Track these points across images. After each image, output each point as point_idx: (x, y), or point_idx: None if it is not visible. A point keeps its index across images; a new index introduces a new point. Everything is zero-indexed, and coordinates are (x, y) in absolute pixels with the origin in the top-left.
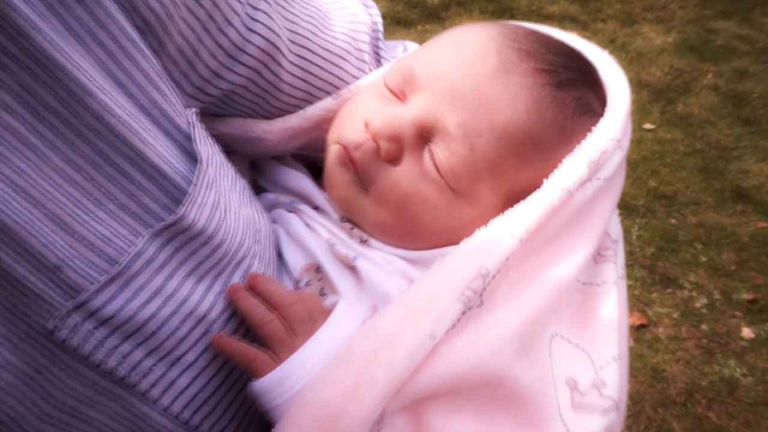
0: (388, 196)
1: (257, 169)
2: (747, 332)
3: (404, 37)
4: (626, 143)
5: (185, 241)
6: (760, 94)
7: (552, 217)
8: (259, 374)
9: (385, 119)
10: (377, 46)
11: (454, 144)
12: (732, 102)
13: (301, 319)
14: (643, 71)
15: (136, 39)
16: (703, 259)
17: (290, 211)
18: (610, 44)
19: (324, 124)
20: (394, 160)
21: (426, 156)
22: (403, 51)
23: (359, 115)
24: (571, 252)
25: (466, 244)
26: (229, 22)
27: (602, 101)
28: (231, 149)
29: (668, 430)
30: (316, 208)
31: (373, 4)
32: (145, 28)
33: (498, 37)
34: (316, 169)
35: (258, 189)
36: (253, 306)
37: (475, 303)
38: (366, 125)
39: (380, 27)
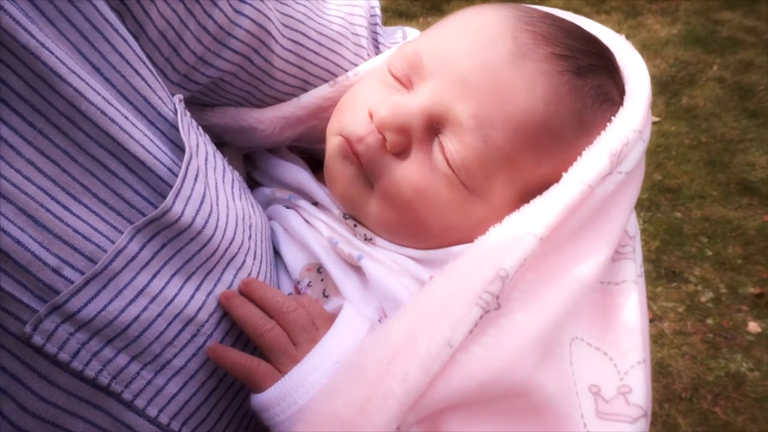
0: (395, 192)
1: (252, 162)
2: (753, 326)
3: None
4: (647, 134)
5: (171, 236)
6: (766, 86)
7: (572, 214)
8: (261, 387)
9: (392, 108)
10: (375, 32)
11: (467, 136)
12: (738, 94)
13: (302, 326)
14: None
15: (113, 20)
16: (709, 252)
17: (288, 207)
18: None
19: (320, 112)
20: (402, 153)
21: (435, 149)
22: (403, 37)
23: (362, 104)
24: (591, 251)
25: (482, 242)
26: (215, 4)
27: (620, 89)
28: (222, 141)
29: (674, 426)
30: (315, 203)
31: None
32: (122, 8)
33: (512, 20)
34: (314, 162)
35: (253, 183)
36: (250, 314)
37: (492, 306)
38: (370, 115)
39: (378, 11)
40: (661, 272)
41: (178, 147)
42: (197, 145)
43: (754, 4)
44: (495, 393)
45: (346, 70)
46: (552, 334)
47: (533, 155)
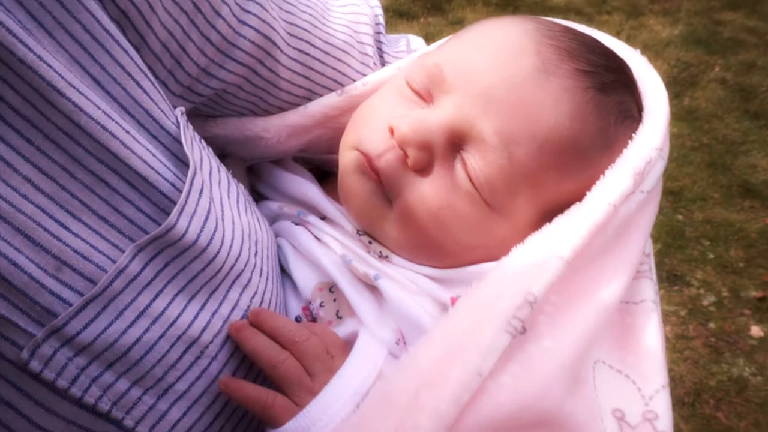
0: (415, 209)
1: (256, 174)
2: (756, 330)
3: (407, 30)
4: (666, 152)
5: (175, 254)
6: None
7: (597, 235)
8: (278, 422)
9: (414, 124)
10: (379, 41)
11: (490, 153)
12: (740, 95)
13: (317, 355)
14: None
15: (114, 31)
16: (711, 255)
17: (297, 224)
18: (616, 37)
19: (327, 121)
20: (423, 170)
21: (458, 166)
22: (406, 46)
23: (380, 118)
24: (614, 272)
25: (507, 265)
26: (218, 14)
27: (639, 105)
28: (226, 153)
29: (676, 431)
30: (323, 218)
31: None
32: (123, 19)
33: (535, 34)
34: (319, 172)
35: (257, 196)
36: (262, 345)
37: (519, 330)
38: (390, 130)
39: (381, 20)
40: (662, 275)
41: (181, 161)
42: (201, 159)
43: (756, 4)
44: (524, 422)
45: (353, 79)
46: (579, 360)
47: (557, 173)
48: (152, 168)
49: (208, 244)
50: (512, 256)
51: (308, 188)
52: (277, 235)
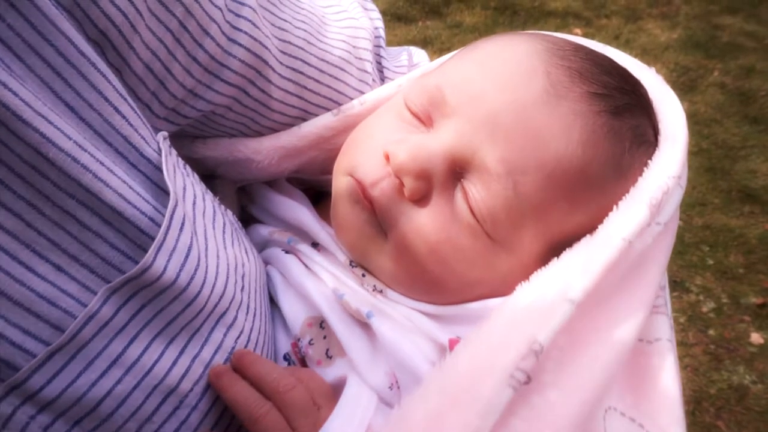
0: (412, 242)
1: (248, 195)
2: (756, 338)
3: (405, 33)
4: (684, 180)
5: (151, 296)
6: None
7: (610, 273)
8: None
9: (411, 151)
10: (379, 54)
11: (494, 182)
12: (739, 100)
13: (302, 408)
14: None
15: (90, 53)
16: (710, 261)
17: (288, 252)
18: (614, 41)
19: (322, 143)
20: (421, 200)
21: (458, 195)
22: (408, 59)
23: (376, 143)
24: (628, 311)
25: (511, 308)
26: (206, 32)
27: (655, 128)
28: (216, 174)
29: None
30: (316, 244)
31: (373, 6)
32: (102, 40)
33: (544, 54)
34: (314, 192)
35: (249, 218)
36: (242, 396)
37: (522, 382)
38: (386, 156)
39: (382, 33)
40: None
41: (162, 191)
42: (184, 188)
43: (754, 8)
44: None
45: (350, 98)
46: (588, 412)
47: (567, 204)
48: (128, 202)
49: (189, 284)
50: (517, 297)
51: (301, 213)
52: (266, 263)
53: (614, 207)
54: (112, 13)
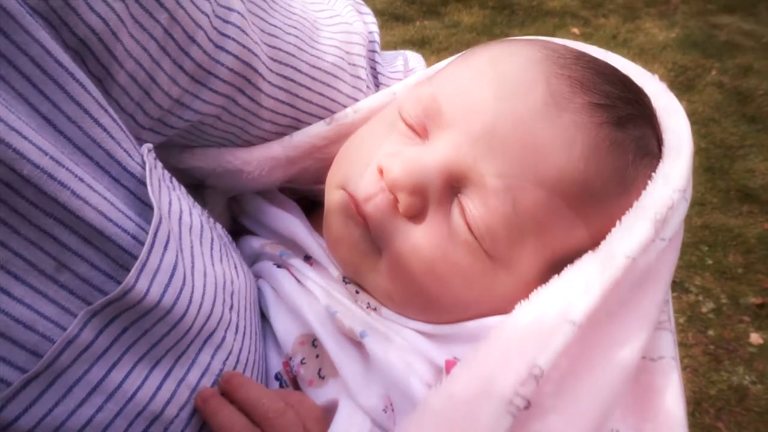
0: (406, 260)
1: (239, 204)
2: (755, 338)
3: (402, 33)
4: (690, 192)
5: (134, 318)
6: (766, 90)
7: (613, 292)
8: None
9: (407, 166)
10: (374, 60)
11: (492, 198)
12: (737, 99)
13: None
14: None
15: (68, 63)
16: (709, 261)
17: (279, 266)
18: (612, 40)
19: (315, 152)
20: (416, 216)
21: (455, 211)
22: (404, 64)
23: (369, 155)
24: (631, 331)
25: (510, 330)
26: (192, 39)
27: (659, 139)
28: (205, 184)
29: None
30: (309, 257)
31: (368, 10)
32: (81, 49)
33: (544, 63)
34: (308, 201)
35: (240, 228)
36: (230, 421)
37: (521, 408)
38: (380, 170)
39: (377, 37)
40: None
41: (147, 206)
42: (169, 203)
43: (752, 7)
44: None
45: (343, 105)
46: None
47: (568, 220)
48: (110, 219)
49: (174, 305)
50: (516, 317)
51: (293, 224)
52: (258, 277)
53: (617, 222)
54: (92, 20)
